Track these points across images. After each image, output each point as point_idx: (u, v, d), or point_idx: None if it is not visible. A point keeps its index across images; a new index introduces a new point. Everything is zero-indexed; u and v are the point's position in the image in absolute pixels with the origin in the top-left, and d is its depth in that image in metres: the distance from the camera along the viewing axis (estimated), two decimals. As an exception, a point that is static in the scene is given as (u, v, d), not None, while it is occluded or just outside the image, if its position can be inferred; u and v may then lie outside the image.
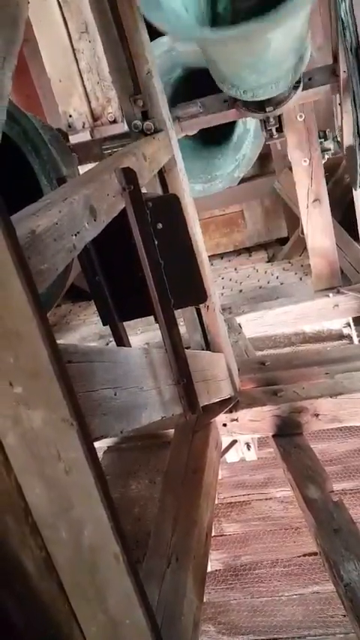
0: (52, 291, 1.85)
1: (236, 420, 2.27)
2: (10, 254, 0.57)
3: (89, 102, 3.72)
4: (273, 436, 2.25)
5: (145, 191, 1.73)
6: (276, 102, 2.38)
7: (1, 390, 0.59)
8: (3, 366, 0.59)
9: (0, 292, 0.58)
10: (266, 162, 4.81)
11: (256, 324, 3.47)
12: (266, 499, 3.04)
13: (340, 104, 2.53)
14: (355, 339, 3.42)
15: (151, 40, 1.85)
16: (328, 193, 3.23)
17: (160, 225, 1.46)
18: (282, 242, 4.88)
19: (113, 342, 1.79)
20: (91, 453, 0.65)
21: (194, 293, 1.63)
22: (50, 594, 0.70)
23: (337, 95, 2.55)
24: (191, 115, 2.55)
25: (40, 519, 0.66)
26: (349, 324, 3.46)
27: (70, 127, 3.63)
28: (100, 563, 0.71)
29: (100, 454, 2.33)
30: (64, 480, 0.65)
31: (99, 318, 1.73)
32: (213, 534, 2.07)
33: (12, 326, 0.59)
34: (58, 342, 0.67)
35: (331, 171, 3.85)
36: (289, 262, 4.25)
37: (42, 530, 0.67)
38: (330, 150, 3.12)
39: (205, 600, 1.61)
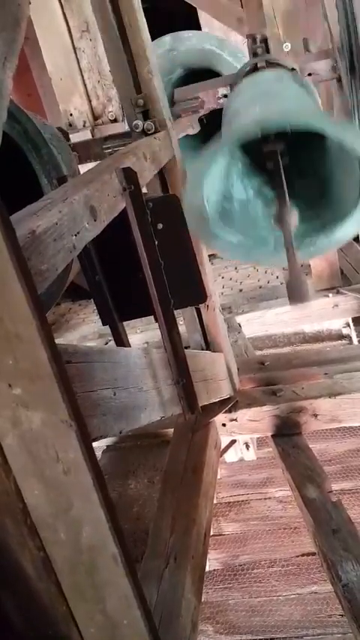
0: (51, 291, 1.85)
1: (235, 419, 2.27)
2: (10, 256, 0.57)
3: (90, 101, 3.72)
4: (272, 436, 2.25)
5: (146, 191, 1.73)
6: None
7: (1, 392, 0.60)
8: (2, 367, 0.59)
9: (0, 294, 0.58)
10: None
11: (256, 323, 3.46)
12: (265, 499, 3.05)
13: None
14: (355, 340, 3.42)
15: (152, 40, 1.85)
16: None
17: (160, 226, 1.46)
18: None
19: (113, 342, 1.79)
20: (89, 453, 0.66)
21: (194, 293, 1.62)
22: (49, 595, 0.70)
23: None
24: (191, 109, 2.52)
25: (38, 520, 0.67)
26: (348, 325, 3.46)
27: (70, 125, 3.63)
28: (99, 564, 0.71)
29: (98, 453, 2.33)
30: (63, 480, 0.65)
31: (98, 317, 1.73)
32: (211, 534, 2.07)
33: (12, 328, 0.59)
34: (58, 341, 0.67)
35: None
36: (289, 262, 4.24)
37: (41, 531, 0.67)
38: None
39: (202, 600, 1.61)
